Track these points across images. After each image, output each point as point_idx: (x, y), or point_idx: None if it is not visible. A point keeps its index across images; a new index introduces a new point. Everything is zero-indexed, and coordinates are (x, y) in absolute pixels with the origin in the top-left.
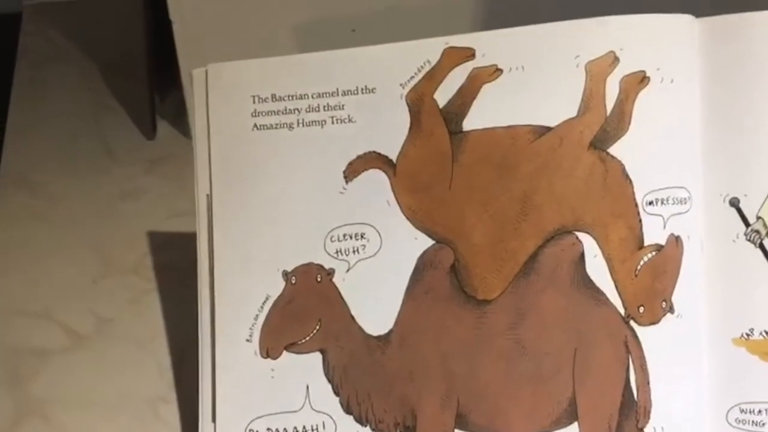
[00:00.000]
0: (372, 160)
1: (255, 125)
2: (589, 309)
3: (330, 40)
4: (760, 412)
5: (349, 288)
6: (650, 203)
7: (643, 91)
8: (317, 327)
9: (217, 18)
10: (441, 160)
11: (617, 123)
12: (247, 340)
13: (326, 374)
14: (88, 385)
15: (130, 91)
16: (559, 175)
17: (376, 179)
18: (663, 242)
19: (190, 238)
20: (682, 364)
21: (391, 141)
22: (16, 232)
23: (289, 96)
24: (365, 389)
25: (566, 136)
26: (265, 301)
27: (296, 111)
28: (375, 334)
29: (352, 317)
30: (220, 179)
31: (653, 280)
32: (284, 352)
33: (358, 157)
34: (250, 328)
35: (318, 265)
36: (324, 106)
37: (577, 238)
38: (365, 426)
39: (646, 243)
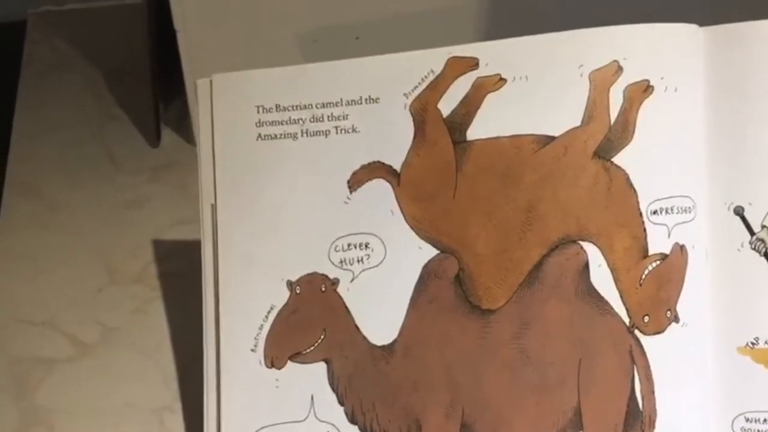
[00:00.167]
0: (376, 169)
1: (259, 135)
2: (594, 318)
3: (334, 48)
4: (765, 420)
5: (354, 298)
6: (654, 212)
7: (647, 100)
8: (322, 337)
9: (221, 27)
10: (445, 170)
11: (621, 132)
12: (252, 350)
13: (331, 384)
14: (94, 395)
15: (135, 99)
16: (563, 184)
17: (380, 189)
18: (667, 251)
19: (195, 246)
20: (687, 373)
21: (395, 151)
22: (20, 241)
23: (293, 106)
24: (370, 399)
25: (570, 146)
26: (269, 311)
27: (300, 121)
28: (379, 343)
29: (357, 327)
30: (224, 189)
31: (658, 290)
32: (289, 362)
33: (362, 167)
34: (255, 338)
35: (322, 274)
36: (328, 116)
37: (581, 247)
38: None
39: (650, 252)
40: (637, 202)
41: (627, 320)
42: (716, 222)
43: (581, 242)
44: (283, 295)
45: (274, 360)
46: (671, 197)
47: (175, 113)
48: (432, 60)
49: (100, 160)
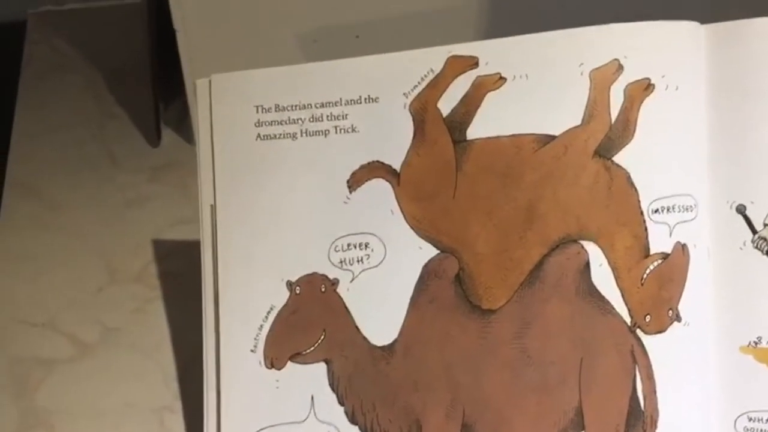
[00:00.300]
0: (376, 169)
1: (259, 135)
2: (595, 318)
3: (334, 47)
4: None
5: (354, 298)
6: (656, 211)
7: (648, 99)
8: (322, 337)
9: (221, 27)
10: (445, 169)
11: (622, 131)
12: (252, 351)
13: (331, 384)
14: (94, 395)
15: (135, 99)
16: (563, 183)
17: (380, 188)
18: (669, 250)
19: (195, 246)
20: (689, 372)
21: (395, 150)
22: (20, 241)
23: (292, 106)
24: (370, 399)
25: (571, 145)
26: (269, 312)
27: (299, 121)
28: (379, 344)
29: (357, 327)
30: (224, 189)
31: (659, 289)
32: (289, 363)
33: (362, 167)
34: (255, 339)
35: (322, 275)
36: (327, 116)
37: (582, 246)
38: None
39: (651, 251)
40: (638, 201)
41: (628, 320)
42: (718, 221)
43: (582, 241)
44: (282, 296)
45: (274, 360)
46: (672, 196)
47: (175, 113)
48: (431, 59)
49: (101, 160)
